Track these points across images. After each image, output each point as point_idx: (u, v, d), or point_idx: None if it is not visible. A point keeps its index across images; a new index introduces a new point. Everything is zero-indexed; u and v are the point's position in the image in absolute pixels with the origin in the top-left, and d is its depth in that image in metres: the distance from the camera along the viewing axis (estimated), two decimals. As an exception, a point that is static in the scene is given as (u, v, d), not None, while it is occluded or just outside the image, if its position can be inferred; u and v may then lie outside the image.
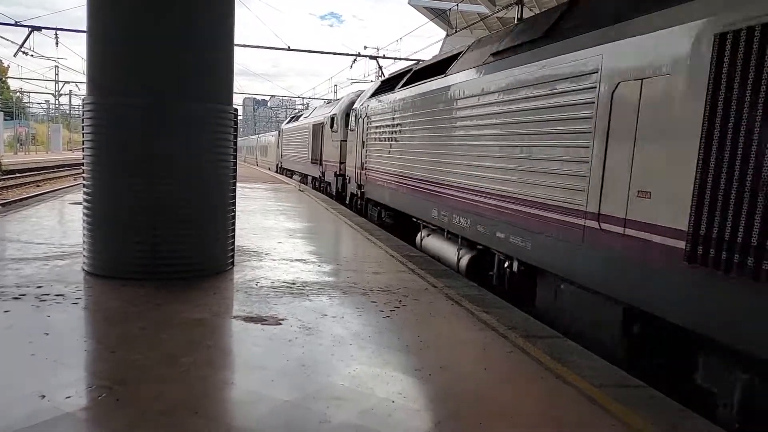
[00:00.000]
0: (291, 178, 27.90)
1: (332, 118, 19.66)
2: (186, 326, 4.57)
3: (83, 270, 6.15)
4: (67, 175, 33.20)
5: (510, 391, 3.72)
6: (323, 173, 21.05)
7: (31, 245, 7.42)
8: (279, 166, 35.07)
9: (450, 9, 29.28)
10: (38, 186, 26.09)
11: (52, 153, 60.13)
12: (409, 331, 4.76)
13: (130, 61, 5.86)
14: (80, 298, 5.23)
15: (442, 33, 40.39)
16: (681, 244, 4.13)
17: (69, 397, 3.26)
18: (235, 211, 6.70)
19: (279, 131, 36.13)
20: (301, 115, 30.40)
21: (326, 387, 3.58)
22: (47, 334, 4.26)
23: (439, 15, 35.71)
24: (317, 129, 22.21)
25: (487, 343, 4.57)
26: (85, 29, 6.11)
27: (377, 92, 13.59)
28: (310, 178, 24.17)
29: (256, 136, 57.05)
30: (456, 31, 28.78)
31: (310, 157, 23.36)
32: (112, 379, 3.50)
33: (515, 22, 19.77)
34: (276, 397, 3.41)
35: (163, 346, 4.11)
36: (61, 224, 9.74)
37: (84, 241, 6.16)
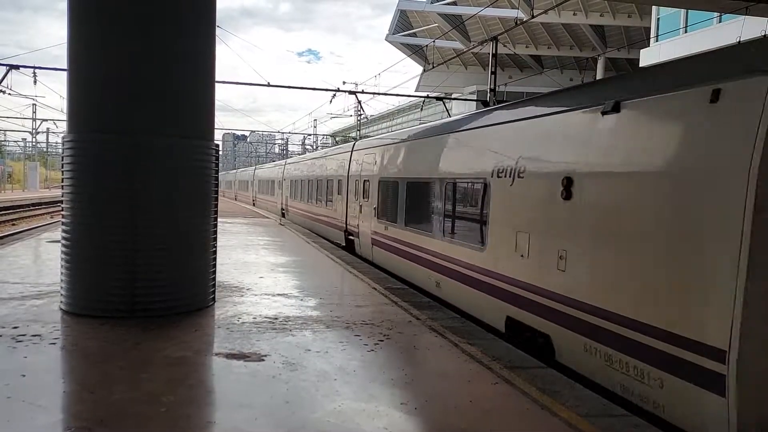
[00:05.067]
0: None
1: None
2: (167, 364, 4.49)
3: (61, 309, 6.04)
4: (43, 213, 32.71)
5: (496, 423, 3.71)
6: None
7: (7, 285, 7.27)
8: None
9: (426, 45, 29.90)
10: (14, 224, 25.64)
11: (29, 191, 59.33)
12: (393, 365, 4.74)
13: (110, 98, 5.88)
14: (57, 338, 5.12)
15: (419, 68, 41.15)
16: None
17: (46, 440, 3.18)
18: (216, 247, 6.66)
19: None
20: None
21: (311, 423, 3.54)
22: (24, 375, 4.16)
23: (416, 51, 36.39)
24: None
25: (471, 375, 4.57)
26: (63, 67, 6.15)
27: None
28: None
29: (322, 153, 21.28)
30: (432, 67, 29.33)
31: None
32: (91, 421, 3.42)
33: (489, 57, 20.73)
34: (260, 435, 3.36)
35: (144, 385, 4.03)
36: (37, 263, 9.57)
37: (62, 280, 6.06)
